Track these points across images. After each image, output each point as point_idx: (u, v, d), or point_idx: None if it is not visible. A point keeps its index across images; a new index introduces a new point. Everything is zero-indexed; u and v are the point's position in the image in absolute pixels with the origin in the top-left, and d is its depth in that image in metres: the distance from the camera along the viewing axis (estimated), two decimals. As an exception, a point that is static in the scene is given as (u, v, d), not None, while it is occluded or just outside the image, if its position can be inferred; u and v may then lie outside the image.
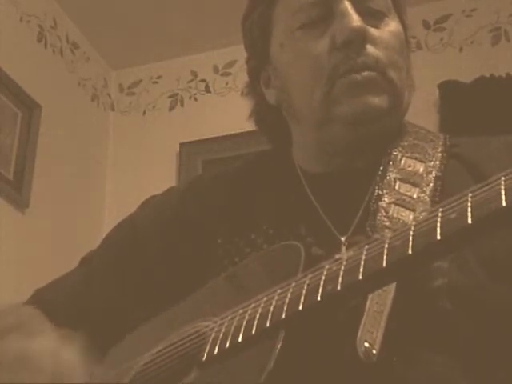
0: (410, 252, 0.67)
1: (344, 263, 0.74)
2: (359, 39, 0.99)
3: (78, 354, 0.85)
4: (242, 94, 1.19)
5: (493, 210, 0.62)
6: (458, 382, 0.81)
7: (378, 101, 0.99)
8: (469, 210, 0.64)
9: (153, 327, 1.00)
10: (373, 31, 1.01)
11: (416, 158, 1.00)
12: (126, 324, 1.02)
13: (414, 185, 0.95)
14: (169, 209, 1.13)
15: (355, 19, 0.99)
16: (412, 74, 1.09)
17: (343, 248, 0.94)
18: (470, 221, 0.63)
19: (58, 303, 1.10)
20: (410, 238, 0.68)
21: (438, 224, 0.66)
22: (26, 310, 1.04)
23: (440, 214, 0.67)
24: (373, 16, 1.03)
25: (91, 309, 1.09)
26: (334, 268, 0.75)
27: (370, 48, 0.99)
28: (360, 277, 0.70)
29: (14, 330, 0.88)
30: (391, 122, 1.03)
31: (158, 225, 1.12)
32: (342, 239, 0.95)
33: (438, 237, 0.65)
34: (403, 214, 0.92)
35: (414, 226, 0.70)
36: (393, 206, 0.93)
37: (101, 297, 1.11)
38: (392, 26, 1.04)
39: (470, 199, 0.65)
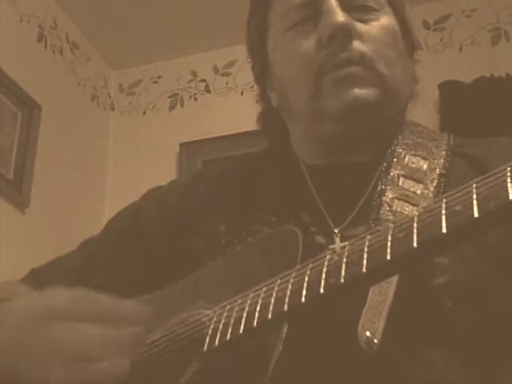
0: (415, 245, 0.66)
1: (346, 254, 0.73)
2: (343, 34, 0.99)
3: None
4: (241, 93, 1.19)
5: (500, 204, 0.61)
6: (457, 377, 0.82)
7: (364, 93, 0.99)
8: (474, 202, 0.63)
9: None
10: (360, 26, 1.01)
11: (420, 156, 1.00)
12: None
13: (418, 181, 0.96)
14: (172, 199, 1.14)
15: (339, 15, 0.99)
16: (414, 68, 1.10)
17: (337, 239, 0.94)
18: (476, 214, 0.62)
19: (55, 283, 1.09)
20: (415, 231, 0.67)
21: (443, 217, 0.65)
22: (19, 287, 1.03)
23: (444, 206, 0.66)
24: (361, 11, 1.03)
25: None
26: (336, 259, 0.74)
27: (355, 43, 1.00)
28: (364, 270, 0.69)
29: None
30: (383, 115, 1.02)
31: (161, 214, 1.12)
32: (336, 230, 0.95)
33: (444, 230, 0.64)
34: (407, 208, 0.92)
35: (417, 217, 0.69)
36: (396, 200, 0.93)
37: (99, 282, 1.10)
38: (383, 20, 1.04)
39: (474, 191, 0.64)
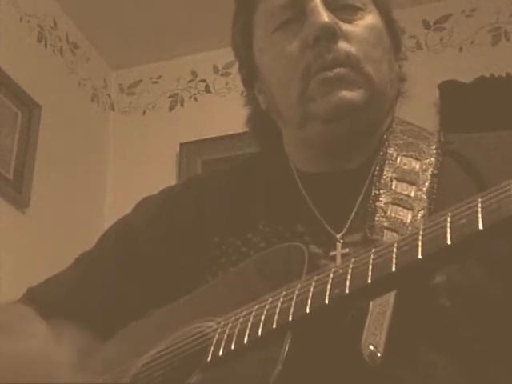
0: (419, 257, 0.67)
1: (351, 266, 0.74)
2: (328, 35, 0.99)
3: (70, 352, 0.83)
4: (242, 94, 1.20)
5: (504, 217, 0.62)
6: (457, 380, 0.82)
7: (351, 95, 0.98)
8: (479, 215, 0.64)
9: (148, 326, 0.99)
10: (345, 26, 1.01)
11: (411, 156, 1.00)
12: (120, 323, 1.02)
13: (411, 183, 0.96)
14: (163, 209, 1.13)
15: (324, 15, 0.99)
16: (401, 66, 1.10)
17: (338, 245, 0.94)
18: (480, 226, 0.63)
19: (52, 301, 1.10)
20: (419, 243, 0.68)
21: (448, 229, 0.66)
22: (17, 309, 1.04)
23: (449, 219, 0.67)
24: (346, 11, 1.03)
25: (85, 308, 1.09)
26: (341, 271, 0.75)
27: (341, 43, 0.99)
28: (369, 281, 0.70)
29: (3, 331, 0.87)
30: (372, 117, 1.03)
31: (153, 225, 1.12)
32: (337, 237, 0.95)
33: (449, 242, 0.65)
34: (401, 213, 0.92)
35: (423, 230, 0.70)
36: (390, 205, 0.93)
37: (95, 296, 1.11)
38: (368, 20, 1.04)
39: (479, 205, 0.65)
